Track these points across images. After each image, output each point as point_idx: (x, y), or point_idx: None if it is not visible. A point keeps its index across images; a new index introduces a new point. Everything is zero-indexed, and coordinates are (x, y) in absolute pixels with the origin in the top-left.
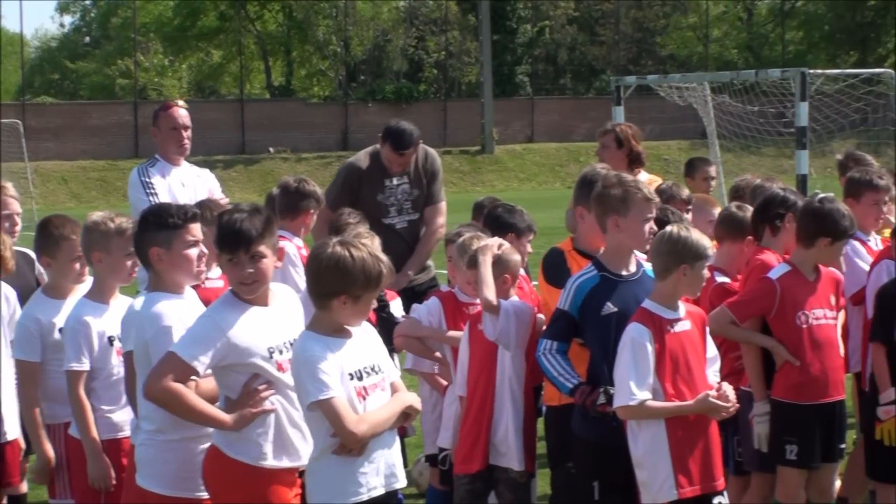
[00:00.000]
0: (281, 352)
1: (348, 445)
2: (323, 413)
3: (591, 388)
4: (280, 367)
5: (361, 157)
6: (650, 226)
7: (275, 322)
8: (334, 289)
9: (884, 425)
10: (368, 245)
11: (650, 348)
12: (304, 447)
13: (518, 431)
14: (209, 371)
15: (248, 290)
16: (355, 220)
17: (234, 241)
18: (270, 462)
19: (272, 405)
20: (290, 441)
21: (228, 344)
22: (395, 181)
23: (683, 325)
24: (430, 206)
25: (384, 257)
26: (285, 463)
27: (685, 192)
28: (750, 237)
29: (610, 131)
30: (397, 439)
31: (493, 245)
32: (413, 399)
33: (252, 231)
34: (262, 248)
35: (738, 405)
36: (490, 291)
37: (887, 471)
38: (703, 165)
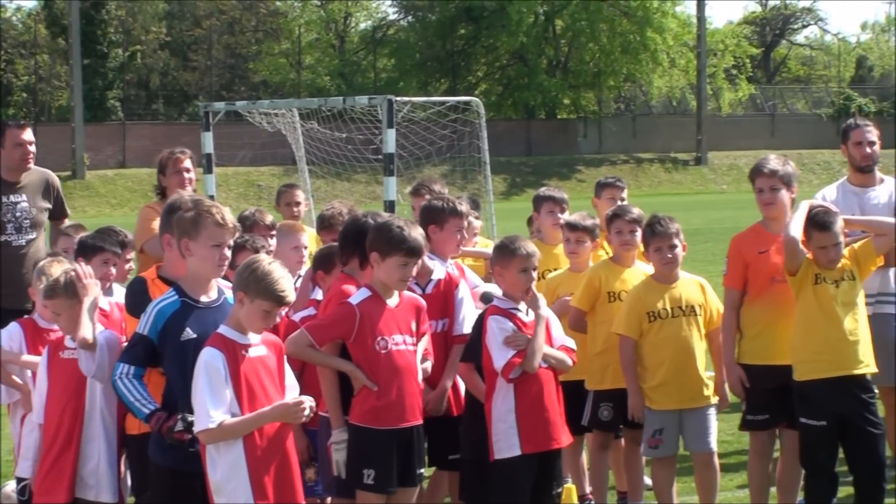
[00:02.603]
0: None
1: None
2: None
3: (168, 415)
4: None
5: None
6: (223, 252)
7: None
8: None
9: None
10: None
11: (224, 372)
12: None
13: (111, 463)
14: None
15: None
16: None
17: None
18: None
19: None
20: None
21: None
22: (12, 198)
23: (258, 351)
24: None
25: None
26: None
27: (268, 219)
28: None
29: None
30: None
31: (91, 285)
32: None
33: None
34: None
35: (314, 406)
36: (88, 330)
37: (473, 497)
38: (288, 190)
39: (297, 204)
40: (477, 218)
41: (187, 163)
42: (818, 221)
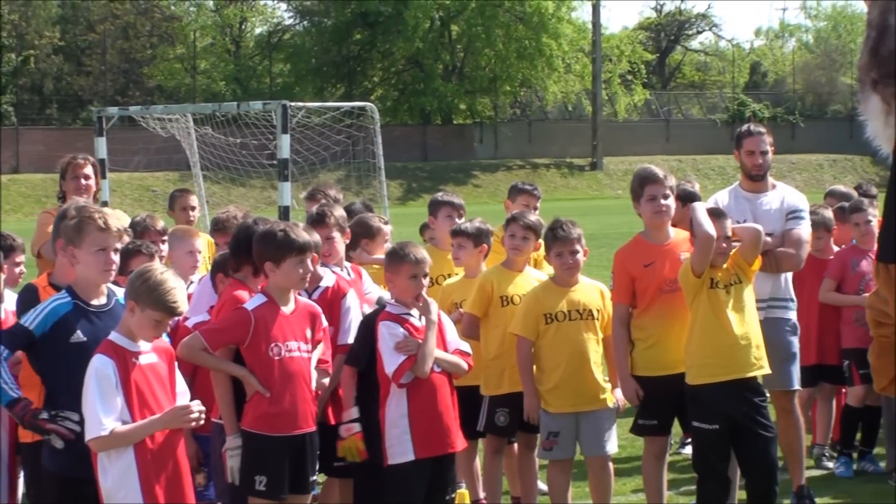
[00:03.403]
0: None
1: None
2: None
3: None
4: None
5: None
6: (109, 256)
7: None
8: None
9: (345, 443)
10: None
11: (115, 379)
12: None
13: (4, 466)
14: None
15: None
16: None
17: None
18: None
19: None
20: None
21: None
22: None
23: (149, 358)
24: None
25: None
26: None
27: (160, 224)
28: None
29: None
30: None
31: None
32: None
33: None
34: None
35: (203, 411)
36: None
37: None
38: (182, 195)
39: (193, 208)
40: (386, 223)
41: (87, 169)
42: (711, 212)
